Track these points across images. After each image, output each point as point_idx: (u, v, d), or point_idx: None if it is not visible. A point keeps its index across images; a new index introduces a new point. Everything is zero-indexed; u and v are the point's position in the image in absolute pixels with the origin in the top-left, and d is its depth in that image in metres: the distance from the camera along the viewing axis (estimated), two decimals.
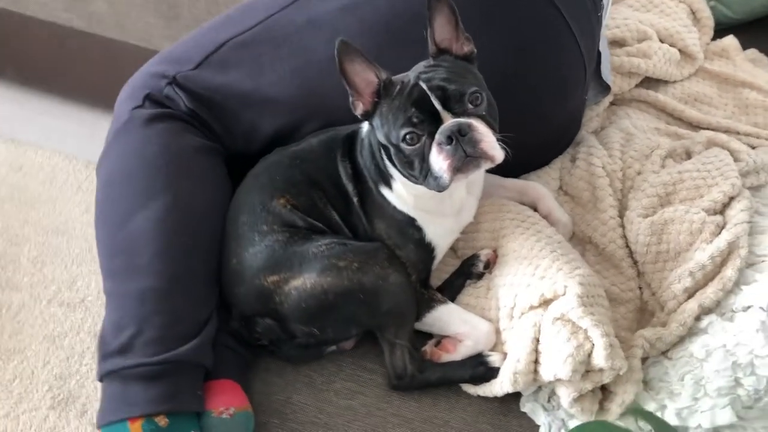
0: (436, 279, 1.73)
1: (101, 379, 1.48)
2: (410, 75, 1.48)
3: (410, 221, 1.60)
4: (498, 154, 1.43)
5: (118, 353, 1.45)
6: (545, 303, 1.53)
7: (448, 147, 1.40)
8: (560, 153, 1.91)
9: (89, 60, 2.75)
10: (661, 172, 1.77)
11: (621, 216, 1.76)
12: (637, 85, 2.12)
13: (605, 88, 2.01)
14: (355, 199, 1.61)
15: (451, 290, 1.70)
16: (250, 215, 1.60)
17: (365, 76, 1.47)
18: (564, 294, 1.50)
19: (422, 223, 1.61)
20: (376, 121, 1.50)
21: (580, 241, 1.79)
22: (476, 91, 1.44)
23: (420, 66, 1.50)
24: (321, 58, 1.68)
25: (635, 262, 1.71)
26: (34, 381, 1.83)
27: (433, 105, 1.42)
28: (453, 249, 1.77)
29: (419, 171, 1.46)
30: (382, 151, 1.55)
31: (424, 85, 1.43)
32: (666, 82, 2.15)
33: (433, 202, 1.59)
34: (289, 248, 1.54)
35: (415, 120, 1.42)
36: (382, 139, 1.50)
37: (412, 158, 1.45)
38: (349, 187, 1.61)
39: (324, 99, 1.69)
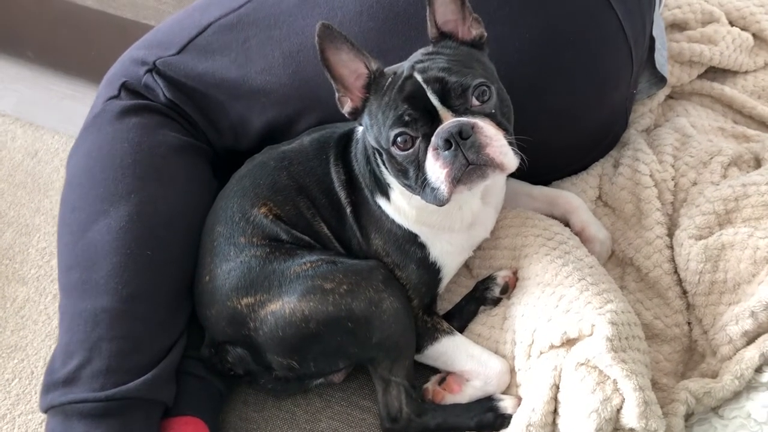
0: (447, 302, 1.49)
1: (45, 411, 1.29)
2: (404, 65, 1.24)
3: (411, 237, 1.37)
4: (509, 161, 1.18)
5: (63, 384, 1.27)
6: (568, 343, 1.28)
7: (446, 153, 1.16)
8: (601, 156, 1.65)
9: (105, 41, 2.61)
10: (722, 184, 1.49)
11: (670, 235, 1.49)
12: (699, 76, 1.84)
13: (660, 80, 1.73)
14: (348, 210, 1.39)
15: (462, 317, 1.46)
16: (227, 225, 1.39)
17: (353, 67, 1.23)
18: (591, 334, 1.25)
19: (426, 240, 1.37)
20: (366, 120, 1.26)
21: (620, 263, 1.53)
22: (482, 84, 1.19)
23: (417, 54, 1.26)
24: None
25: (684, 292, 1.45)
26: (33, 382, 1.72)
27: (430, 101, 1.18)
28: (467, 267, 1.53)
29: (415, 180, 1.22)
30: (377, 156, 1.31)
31: (419, 77, 1.19)
32: (735, 73, 1.85)
33: (438, 216, 1.34)
34: (268, 265, 1.33)
35: (407, 118, 1.19)
36: (372, 141, 1.27)
37: (405, 165, 1.22)
38: (342, 195, 1.39)
39: (321, 89, 1.46)
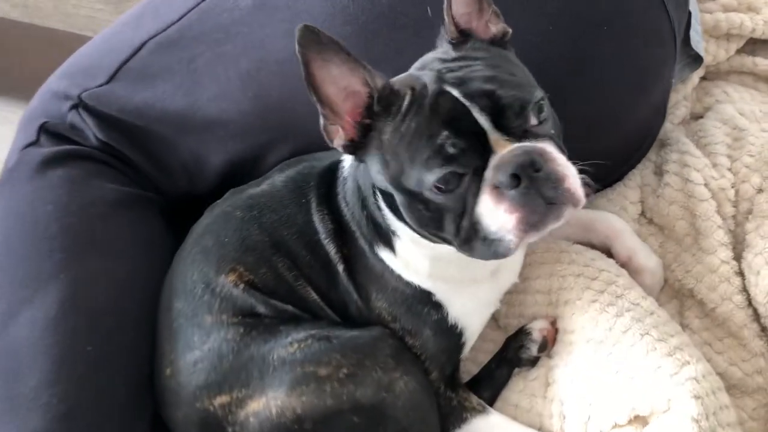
0: (471, 362, 1.21)
1: None
2: (424, 76, 0.95)
3: (424, 296, 1.09)
4: (582, 194, 0.92)
5: None
6: (637, 420, 1.00)
7: (514, 192, 0.88)
8: (638, 162, 1.36)
9: (37, 56, 2.30)
10: None
11: (738, 259, 1.20)
12: (738, 51, 1.55)
13: (695, 60, 1.45)
14: (340, 267, 1.10)
15: (493, 385, 1.18)
16: (188, 300, 1.10)
17: (346, 83, 0.93)
18: (667, 410, 0.96)
19: (442, 298, 1.10)
20: (373, 156, 0.96)
21: (676, 294, 1.26)
22: (543, 98, 0.93)
23: (433, 60, 0.98)
24: (282, 57, 1.17)
25: (763, 330, 1.17)
26: None
27: (477, 123, 0.89)
28: (493, 317, 1.24)
29: (455, 232, 0.94)
30: (377, 196, 1.02)
31: (454, 91, 0.91)
32: None
33: (457, 266, 1.08)
34: (243, 351, 1.05)
35: (451, 151, 0.89)
36: (382, 183, 0.97)
37: (443, 212, 0.93)
38: (331, 248, 1.10)
39: (291, 115, 1.20)
